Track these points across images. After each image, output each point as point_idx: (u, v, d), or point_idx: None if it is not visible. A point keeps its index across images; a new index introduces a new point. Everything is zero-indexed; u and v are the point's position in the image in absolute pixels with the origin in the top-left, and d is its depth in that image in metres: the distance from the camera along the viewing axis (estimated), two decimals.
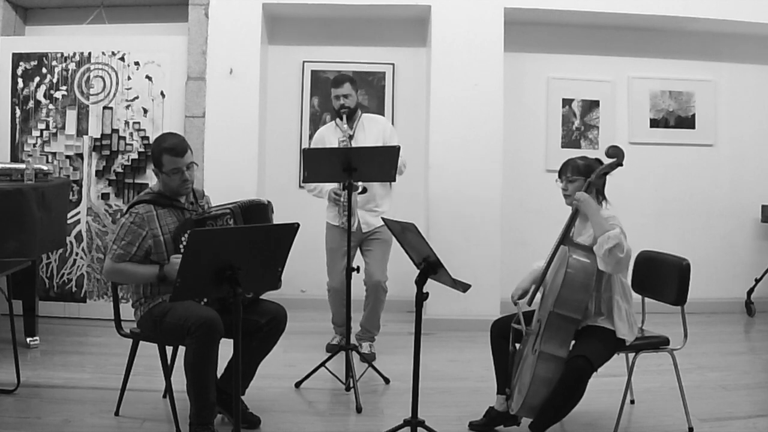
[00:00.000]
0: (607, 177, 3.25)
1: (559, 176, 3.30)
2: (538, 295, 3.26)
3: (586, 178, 3.18)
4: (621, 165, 3.18)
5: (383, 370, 4.04)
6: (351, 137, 4.39)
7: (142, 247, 3.11)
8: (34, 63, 5.22)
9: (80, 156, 5.20)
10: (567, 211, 3.29)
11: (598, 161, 3.24)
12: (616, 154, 3.16)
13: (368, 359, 4.25)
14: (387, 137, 4.48)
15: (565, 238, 3.17)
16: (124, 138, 5.20)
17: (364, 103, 5.65)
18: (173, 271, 2.98)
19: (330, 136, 4.50)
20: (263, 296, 3.37)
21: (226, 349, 3.06)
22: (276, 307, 3.30)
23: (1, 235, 3.96)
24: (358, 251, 4.54)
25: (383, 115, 5.57)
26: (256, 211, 3.30)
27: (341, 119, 4.43)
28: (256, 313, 3.19)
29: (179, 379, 3.00)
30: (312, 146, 4.64)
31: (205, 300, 3.13)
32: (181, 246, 3.11)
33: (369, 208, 4.46)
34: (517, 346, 3.28)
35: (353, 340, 4.25)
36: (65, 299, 5.17)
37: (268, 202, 3.43)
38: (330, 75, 5.77)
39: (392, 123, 5.63)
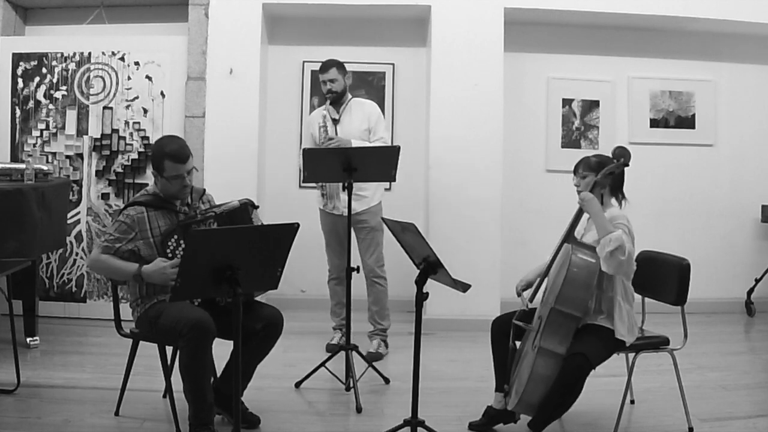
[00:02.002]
0: (625, 175, 3.25)
1: (574, 173, 3.30)
2: (540, 294, 3.27)
3: (597, 173, 3.18)
4: (627, 165, 3.18)
5: (383, 370, 4.04)
6: (337, 121, 4.44)
7: (127, 246, 3.13)
8: (34, 63, 5.22)
9: (80, 156, 5.20)
10: (567, 211, 3.29)
11: (613, 158, 3.22)
12: (622, 154, 3.16)
13: (377, 357, 4.34)
14: (373, 122, 4.48)
15: (569, 236, 3.18)
16: (124, 138, 5.20)
17: None
18: (150, 273, 3.02)
19: (314, 120, 4.56)
20: (261, 299, 3.35)
21: (224, 350, 3.07)
22: (272, 311, 3.26)
23: (1, 235, 3.96)
24: (354, 236, 4.56)
25: (383, 114, 5.56)
26: (239, 215, 3.24)
27: (332, 104, 4.47)
28: (251, 318, 3.14)
29: (179, 379, 3.00)
30: (304, 128, 4.71)
31: (198, 301, 3.12)
32: (167, 250, 3.12)
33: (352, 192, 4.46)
34: (518, 344, 3.29)
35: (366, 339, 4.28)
36: (65, 299, 5.17)
37: (245, 201, 3.29)
38: None
39: (392, 122, 5.65)
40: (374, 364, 4.07)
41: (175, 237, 3.12)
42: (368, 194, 4.51)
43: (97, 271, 3.32)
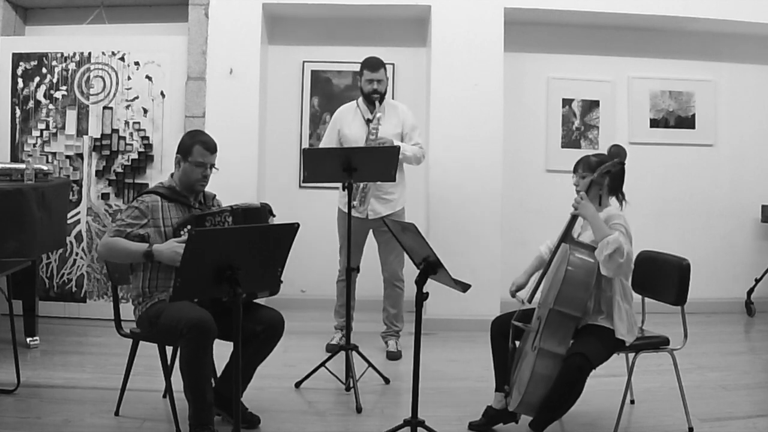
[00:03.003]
0: (625, 175, 3.25)
1: (574, 172, 3.30)
2: (539, 294, 3.27)
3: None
4: (623, 164, 3.19)
5: (383, 370, 4.04)
6: (370, 121, 4.35)
7: (137, 232, 3.15)
8: (34, 63, 5.22)
9: (80, 156, 5.20)
10: (567, 211, 3.29)
11: (616, 160, 3.22)
12: (617, 153, 3.17)
13: (398, 356, 4.41)
14: (408, 128, 4.45)
15: (567, 237, 3.18)
16: (124, 138, 5.20)
17: None
18: (162, 250, 3.03)
19: (350, 118, 4.49)
20: (262, 301, 3.36)
21: (224, 350, 3.07)
22: (272, 314, 3.27)
23: (1, 235, 3.96)
24: (372, 237, 4.56)
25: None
26: (255, 215, 3.31)
27: (372, 104, 4.38)
28: (251, 320, 3.15)
29: (179, 379, 2.99)
30: (331, 123, 4.63)
31: (196, 299, 3.12)
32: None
33: (378, 196, 4.45)
34: (517, 343, 3.30)
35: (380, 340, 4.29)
36: (65, 299, 5.17)
37: (265, 204, 3.41)
38: (330, 75, 5.80)
39: None
40: (375, 364, 4.06)
41: (189, 227, 3.13)
42: (394, 198, 4.49)
43: (106, 255, 3.27)
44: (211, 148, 3.30)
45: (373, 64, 4.42)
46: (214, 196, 3.51)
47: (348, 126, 4.47)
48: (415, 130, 4.48)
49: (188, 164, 3.27)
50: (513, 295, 3.39)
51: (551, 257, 3.23)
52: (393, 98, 5.70)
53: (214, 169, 3.33)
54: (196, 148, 3.26)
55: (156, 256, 3.05)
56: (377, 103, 4.35)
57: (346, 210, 4.47)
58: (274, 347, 3.28)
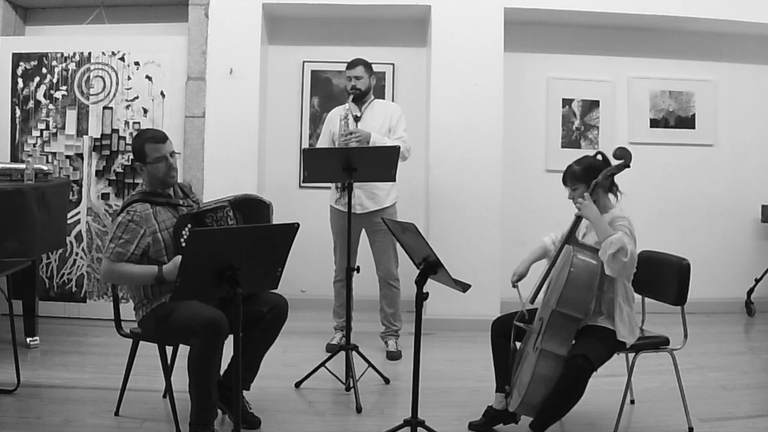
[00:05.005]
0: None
1: (564, 185, 3.30)
2: (541, 295, 3.26)
3: (586, 182, 3.17)
4: (628, 167, 3.17)
5: (383, 370, 4.04)
6: (358, 118, 4.40)
7: (140, 246, 3.08)
8: (34, 63, 5.22)
9: (80, 156, 5.20)
10: (567, 211, 3.29)
11: (599, 157, 3.23)
12: (623, 155, 3.15)
13: (398, 356, 4.43)
14: (394, 122, 4.49)
15: (570, 238, 3.17)
16: (124, 138, 5.20)
17: None
18: (172, 273, 2.95)
19: (335, 115, 4.57)
20: None
21: (226, 350, 3.06)
22: (276, 296, 3.29)
23: (1, 235, 3.96)
24: (365, 235, 4.57)
25: None
26: (254, 207, 3.29)
27: (355, 101, 4.46)
28: (257, 303, 3.18)
29: (179, 379, 3.00)
30: (325, 125, 4.71)
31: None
32: (181, 240, 3.08)
33: (367, 189, 4.45)
34: (518, 344, 3.29)
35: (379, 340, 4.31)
36: (65, 299, 5.17)
37: (269, 203, 3.41)
38: (330, 75, 5.80)
39: None
40: (375, 364, 4.06)
41: (189, 227, 3.08)
42: (382, 193, 4.50)
43: (113, 281, 3.25)
44: (160, 139, 3.25)
45: (351, 63, 4.53)
46: (191, 186, 3.50)
47: (334, 123, 4.53)
48: (400, 125, 4.51)
49: (150, 165, 3.22)
50: (514, 284, 3.36)
51: (554, 258, 3.22)
52: (393, 98, 5.75)
53: (176, 155, 3.29)
54: (147, 147, 3.22)
55: (168, 279, 2.99)
56: (350, 99, 4.43)
57: (335, 206, 4.51)
58: (280, 331, 3.28)
